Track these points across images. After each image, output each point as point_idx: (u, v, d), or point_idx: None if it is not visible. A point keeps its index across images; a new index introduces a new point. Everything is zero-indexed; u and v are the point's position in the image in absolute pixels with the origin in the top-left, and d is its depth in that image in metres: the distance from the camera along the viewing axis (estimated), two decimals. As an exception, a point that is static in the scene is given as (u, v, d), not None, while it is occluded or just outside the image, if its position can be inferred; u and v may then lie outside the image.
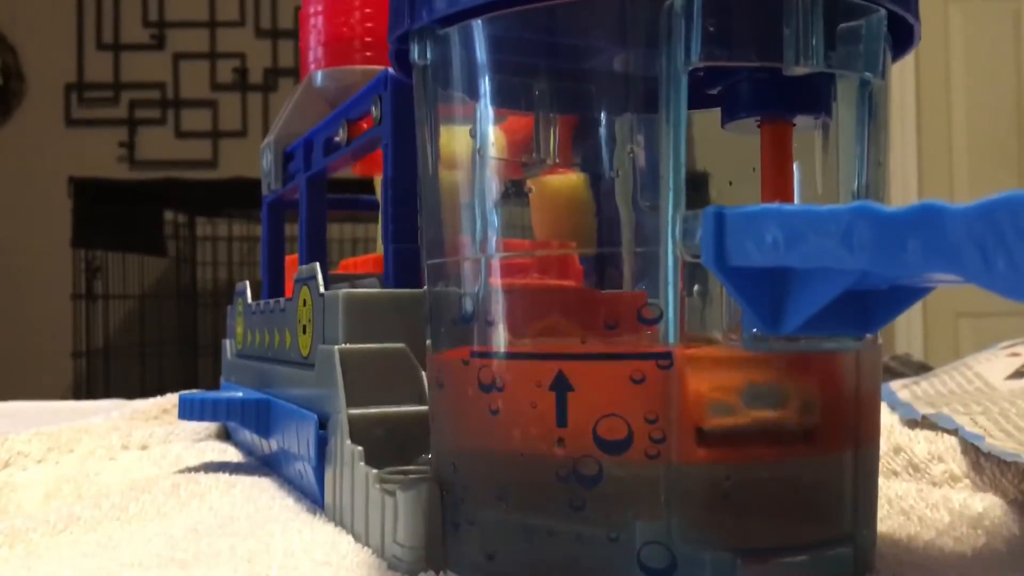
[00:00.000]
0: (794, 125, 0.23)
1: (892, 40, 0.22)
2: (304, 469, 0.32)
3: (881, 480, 0.29)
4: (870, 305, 0.19)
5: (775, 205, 0.17)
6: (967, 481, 0.31)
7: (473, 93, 0.23)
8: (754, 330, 0.19)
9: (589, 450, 0.20)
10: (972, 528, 0.26)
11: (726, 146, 0.25)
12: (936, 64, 1.96)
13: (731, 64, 0.19)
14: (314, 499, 0.32)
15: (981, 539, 0.25)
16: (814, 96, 0.22)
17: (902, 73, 1.92)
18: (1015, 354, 0.47)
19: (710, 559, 0.20)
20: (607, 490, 0.20)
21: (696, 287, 0.23)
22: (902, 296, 0.18)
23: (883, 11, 0.20)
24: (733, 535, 0.20)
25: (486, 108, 0.23)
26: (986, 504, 0.28)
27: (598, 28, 0.22)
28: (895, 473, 0.33)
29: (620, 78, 0.22)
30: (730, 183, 0.25)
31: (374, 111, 0.33)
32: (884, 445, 0.34)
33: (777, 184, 0.22)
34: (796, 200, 0.23)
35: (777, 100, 0.22)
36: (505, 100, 0.24)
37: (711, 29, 0.19)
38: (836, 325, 0.18)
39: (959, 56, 1.97)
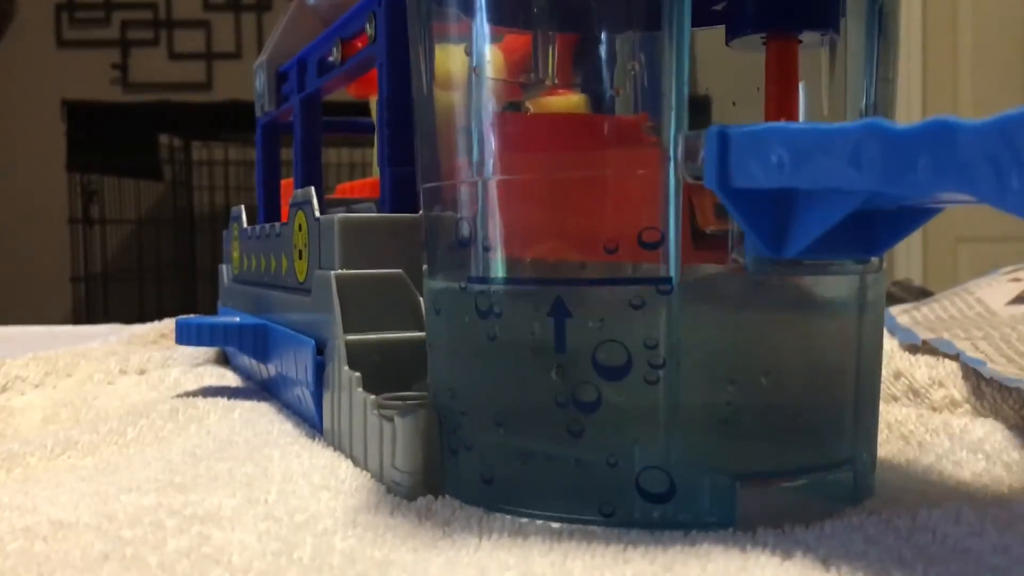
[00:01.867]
0: (800, 42, 0.22)
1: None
2: (302, 394, 0.32)
3: (881, 405, 0.29)
4: (876, 227, 0.18)
5: (781, 124, 0.16)
6: (967, 406, 0.31)
7: (469, 9, 0.22)
8: (757, 253, 0.19)
9: (588, 376, 0.20)
10: (972, 453, 0.26)
11: (729, 66, 0.25)
12: (944, -17, 1.92)
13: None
14: (312, 424, 0.32)
15: (981, 464, 0.25)
16: (822, 11, 0.21)
17: (909, -7, 1.88)
18: (1016, 279, 0.47)
19: (709, 483, 0.20)
20: (606, 416, 0.20)
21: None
22: (909, 218, 0.18)
23: (897, -80, 0.19)
24: (732, 459, 0.20)
25: (482, 25, 0.22)
26: (986, 429, 0.28)
27: (599, -61, 0.21)
28: (895, 398, 0.33)
29: (622, -8, 0.22)
30: (733, 104, 0.24)
31: (368, 29, 0.32)
32: (884, 370, 0.34)
33: (782, 103, 0.22)
34: (801, 120, 0.22)
35: (784, 15, 0.21)
36: (502, 17, 0.23)
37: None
38: (841, 248, 0.18)
39: (968, -25, 1.93)
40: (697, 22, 0.23)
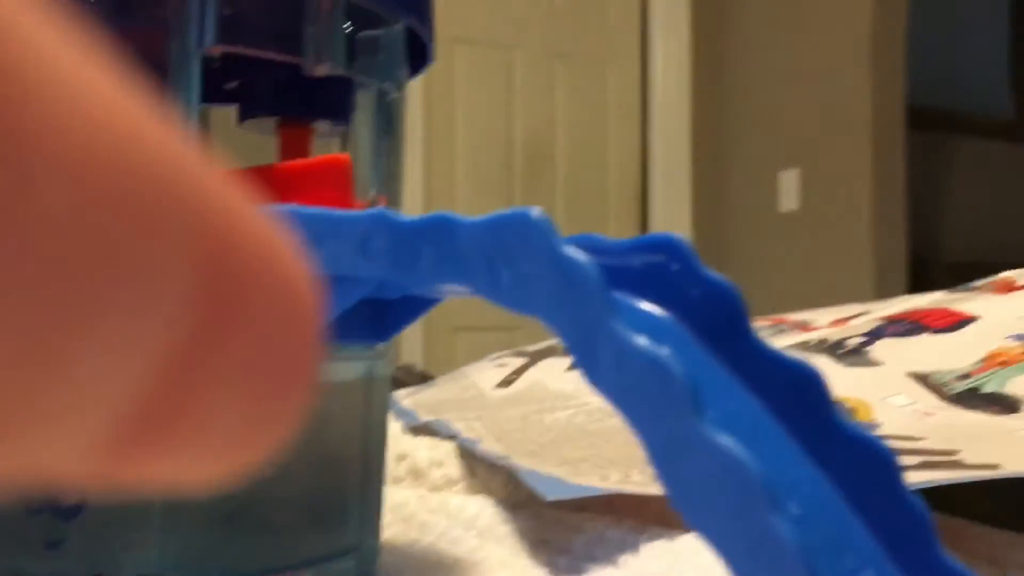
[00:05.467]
0: (313, 129, 0.22)
1: (410, 57, 0.23)
2: None
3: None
4: (384, 314, 0.18)
5: (291, 207, 0.16)
6: (463, 484, 0.33)
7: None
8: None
9: (71, 475, 0.18)
10: (466, 530, 0.27)
11: (245, 145, 0.24)
12: (443, 98, 2.12)
13: (248, 51, 0.18)
14: None
15: (474, 540, 0.27)
16: (334, 101, 0.22)
17: (412, 105, 2.05)
18: (503, 365, 0.51)
19: (209, 586, 0.18)
20: (90, 522, 0.18)
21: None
22: (414, 306, 0.19)
23: (403, 25, 0.20)
24: (233, 556, 0.19)
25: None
26: (479, 505, 0.30)
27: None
28: (399, 480, 0.34)
29: (126, 59, 0.20)
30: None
31: None
32: (389, 453, 0.35)
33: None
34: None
35: (297, 101, 0.21)
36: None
37: (227, 13, 0.17)
38: (351, 333, 0.18)
39: (462, 93, 2.15)
40: (211, 99, 0.22)
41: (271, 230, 0.06)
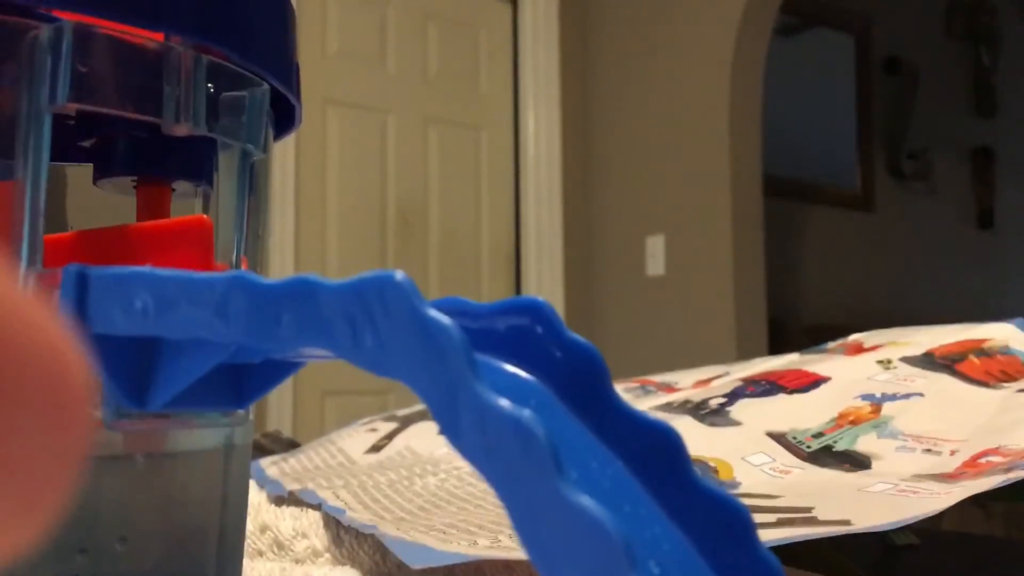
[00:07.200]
0: (173, 190, 0.22)
1: (275, 118, 0.22)
2: None
3: (247, 561, 0.28)
4: (243, 379, 0.18)
5: (146, 268, 0.16)
6: (328, 555, 0.32)
7: None
8: (117, 406, 0.17)
9: None
10: (331, 601, 0.27)
11: (101, 205, 0.23)
12: (314, 159, 2.11)
13: (103, 110, 0.17)
14: None
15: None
16: (195, 162, 0.21)
17: (283, 166, 2.03)
18: (373, 429, 0.51)
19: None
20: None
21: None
22: (275, 370, 0.18)
23: (267, 86, 0.20)
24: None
25: None
26: (344, 576, 0.29)
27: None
28: (260, 553, 0.33)
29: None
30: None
31: None
32: (251, 524, 0.34)
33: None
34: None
35: (155, 161, 0.21)
36: None
37: (83, 70, 0.17)
38: (209, 400, 0.17)
39: (335, 154, 2.15)
40: (63, 156, 0.22)
41: (42, 320, 0.06)
